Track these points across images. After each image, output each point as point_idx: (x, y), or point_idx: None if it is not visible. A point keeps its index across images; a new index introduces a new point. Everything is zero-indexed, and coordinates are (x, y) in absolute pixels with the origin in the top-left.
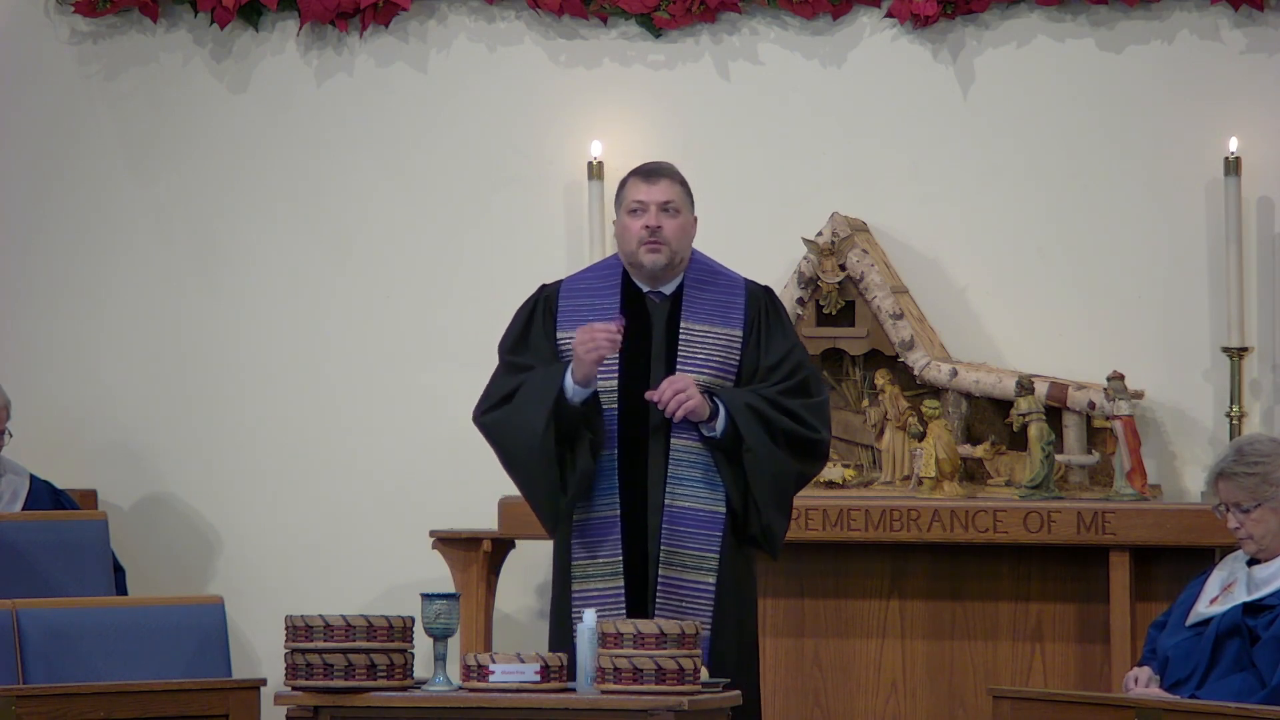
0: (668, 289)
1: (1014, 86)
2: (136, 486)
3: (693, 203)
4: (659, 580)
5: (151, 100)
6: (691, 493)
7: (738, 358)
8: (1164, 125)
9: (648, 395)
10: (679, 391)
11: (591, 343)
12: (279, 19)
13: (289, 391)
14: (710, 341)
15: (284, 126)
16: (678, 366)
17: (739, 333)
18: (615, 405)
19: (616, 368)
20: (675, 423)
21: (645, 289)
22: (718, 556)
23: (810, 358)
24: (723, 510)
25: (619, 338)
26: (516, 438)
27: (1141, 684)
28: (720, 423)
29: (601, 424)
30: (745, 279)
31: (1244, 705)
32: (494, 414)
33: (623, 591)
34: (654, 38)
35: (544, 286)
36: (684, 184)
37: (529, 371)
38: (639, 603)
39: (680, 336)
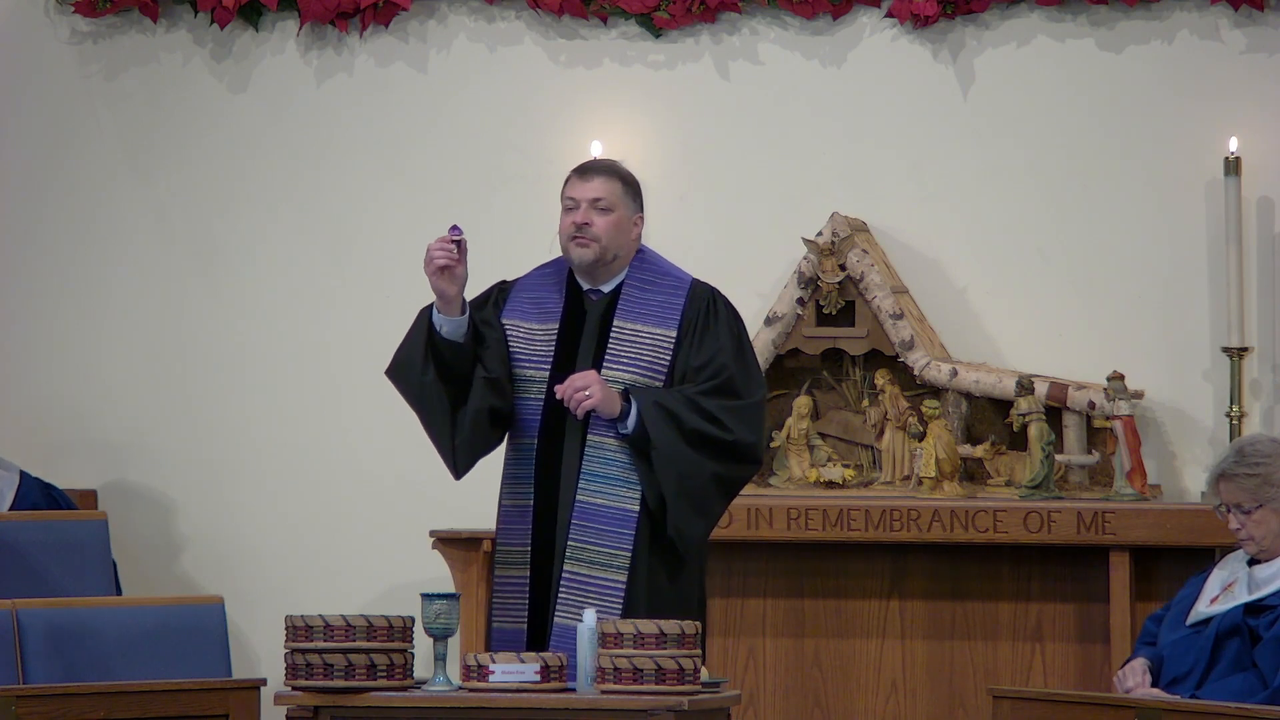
0: (607, 287)
1: (1014, 86)
2: (136, 486)
3: (637, 201)
4: (563, 575)
5: (151, 100)
6: (605, 489)
7: (668, 359)
8: (1164, 125)
9: (556, 389)
10: (579, 389)
11: (429, 260)
12: (279, 19)
13: (289, 391)
14: (640, 341)
15: (284, 126)
16: (604, 364)
17: (672, 334)
18: (541, 396)
19: (549, 361)
20: (589, 419)
21: (585, 287)
22: (629, 555)
23: (745, 363)
24: (636, 509)
25: (451, 247)
26: (402, 375)
27: (1136, 677)
28: (631, 420)
29: (498, 365)
30: (694, 280)
31: (1244, 705)
32: (392, 360)
33: (527, 581)
34: (654, 38)
35: (503, 282)
36: (626, 181)
37: None
38: (543, 596)
39: (611, 335)
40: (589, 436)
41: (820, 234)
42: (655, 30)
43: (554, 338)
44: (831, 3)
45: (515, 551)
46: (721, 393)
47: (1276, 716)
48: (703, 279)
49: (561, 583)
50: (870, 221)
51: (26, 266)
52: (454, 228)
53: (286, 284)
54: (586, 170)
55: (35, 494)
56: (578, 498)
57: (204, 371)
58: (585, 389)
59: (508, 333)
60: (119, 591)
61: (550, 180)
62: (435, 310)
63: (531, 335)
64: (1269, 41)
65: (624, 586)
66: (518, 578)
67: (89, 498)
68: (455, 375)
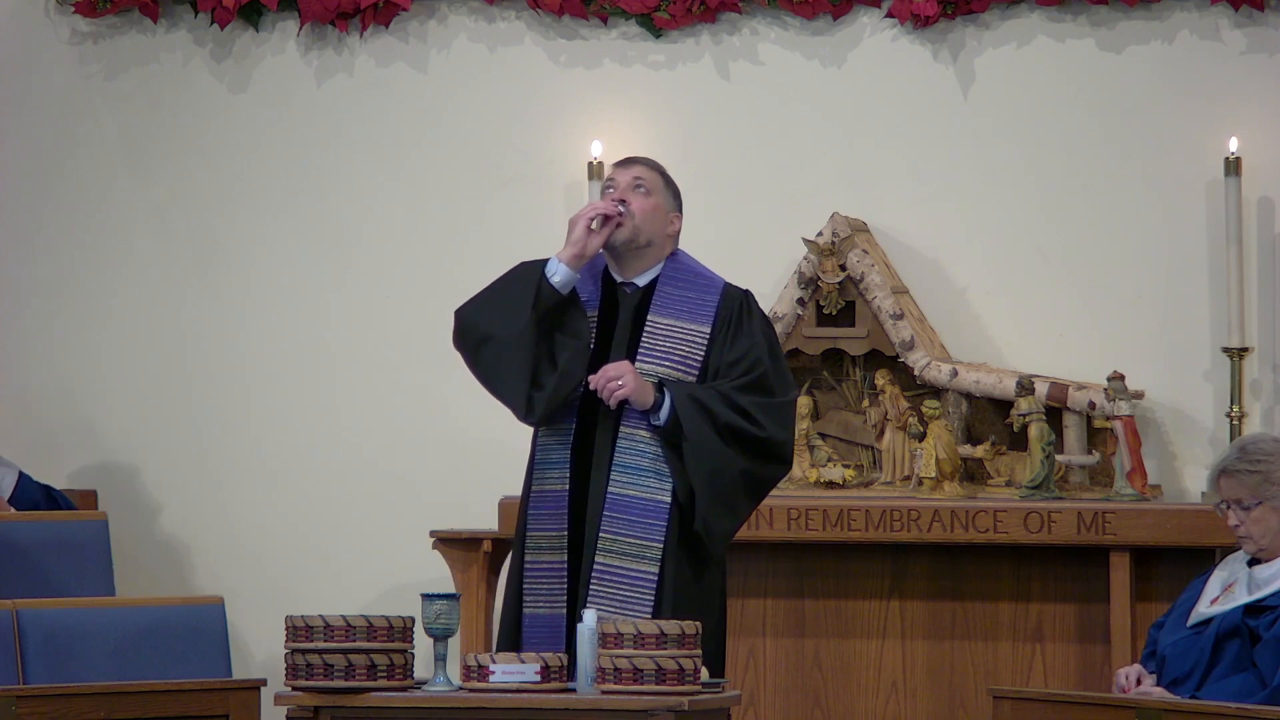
0: (641, 281)
1: (1014, 86)
2: (136, 486)
3: (675, 199)
4: (594, 566)
5: (151, 100)
6: (636, 480)
7: (702, 355)
8: (1164, 125)
9: (590, 379)
10: (612, 379)
11: (591, 209)
12: (279, 19)
13: (289, 391)
14: (674, 336)
15: (284, 126)
16: (638, 357)
17: (706, 330)
18: (581, 386)
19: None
20: (618, 409)
21: (619, 279)
22: (661, 546)
23: (778, 362)
24: (668, 500)
25: (616, 209)
26: (493, 314)
27: (1133, 680)
28: (664, 412)
29: (586, 330)
30: (726, 282)
31: (1244, 705)
32: (474, 300)
33: (565, 567)
34: (654, 38)
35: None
36: (664, 176)
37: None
38: (575, 584)
39: (645, 328)
40: (621, 427)
41: (820, 234)
42: (655, 30)
43: (592, 328)
44: (831, 3)
45: (550, 537)
46: (755, 389)
47: (1275, 717)
48: None
49: (593, 574)
50: (870, 221)
51: (26, 266)
52: (621, 202)
53: (286, 284)
54: (628, 159)
55: (34, 493)
56: (609, 489)
57: (204, 371)
58: (618, 378)
59: None
60: None
61: (550, 180)
62: (556, 259)
63: None
64: (1269, 41)
65: (655, 577)
66: (554, 563)
67: (89, 498)
68: (544, 331)
